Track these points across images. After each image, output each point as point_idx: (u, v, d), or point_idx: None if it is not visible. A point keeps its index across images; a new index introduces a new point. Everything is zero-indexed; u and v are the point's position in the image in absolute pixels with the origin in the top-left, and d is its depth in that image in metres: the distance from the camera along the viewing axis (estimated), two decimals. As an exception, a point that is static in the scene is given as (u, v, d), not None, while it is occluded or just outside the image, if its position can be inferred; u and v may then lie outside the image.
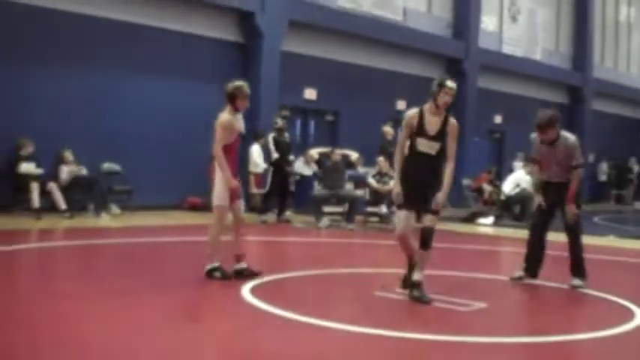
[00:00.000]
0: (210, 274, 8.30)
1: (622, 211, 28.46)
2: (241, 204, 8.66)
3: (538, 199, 9.26)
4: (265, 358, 5.44)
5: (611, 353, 6.12)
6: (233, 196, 8.42)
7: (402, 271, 7.91)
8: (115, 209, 15.87)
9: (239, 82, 8.76)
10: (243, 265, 8.53)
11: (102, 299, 7.16)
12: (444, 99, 7.79)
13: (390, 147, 17.71)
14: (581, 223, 9.15)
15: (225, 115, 8.51)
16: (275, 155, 16.35)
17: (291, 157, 17.12)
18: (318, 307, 7.12)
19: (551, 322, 7.38)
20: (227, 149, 8.40)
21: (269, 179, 16.43)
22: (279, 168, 16.44)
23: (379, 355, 5.77)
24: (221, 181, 8.32)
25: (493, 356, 5.92)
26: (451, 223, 17.38)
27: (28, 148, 14.74)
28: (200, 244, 12.38)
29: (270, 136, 16.51)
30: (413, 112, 7.79)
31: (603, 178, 33.05)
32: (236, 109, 8.59)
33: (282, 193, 16.68)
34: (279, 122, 16.77)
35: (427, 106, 8.00)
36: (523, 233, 9.72)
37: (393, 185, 7.80)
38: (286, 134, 16.94)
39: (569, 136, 8.96)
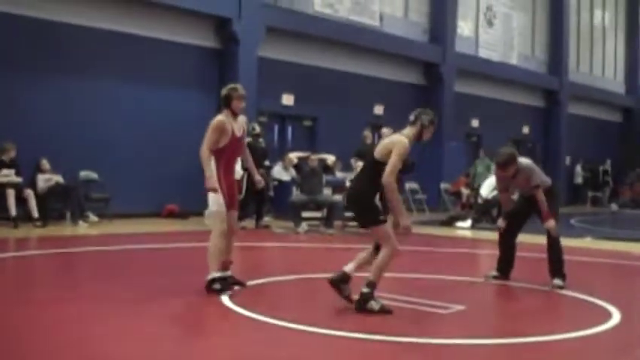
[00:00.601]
0: (210, 285, 7.89)
1: (598, 213, 28.63)
2: (235, 213, 8.31)
3: (501, 224, 9.55)
4: (245, 363, 5.44)
5: (589, 353, 6.16)
6: (229, 204, 8.10)
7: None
8: (92, 217, 15.80)
9: (233, 84, 8.55)
10: (227, 272, 8.23)
11: (79, 307, 7.12)
12: (429, 135, 7.55)
13: (368, 150, 17.74)
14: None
15: (218, 117, 8.20)
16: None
17: (267, 163, 17.06)
18: (298, 312, 7.12)
19: (529, 323, 7.42)
20: (218, 153, 8.08)
21: (243, 185, 16.40)
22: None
23: (357, 359, 5.78)
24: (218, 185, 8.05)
25: (472, 358, 5.95)
26: (430, 227, 17.43)
27: (11, 153, 14.69)
28: (178, 250, 12.37)
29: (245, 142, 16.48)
30: (408, 143, 7.36)
31: (579, 180, 33.27)
32: (233, 112, 8.27)
33: (259, 199, 16.64)
34: (257, 128, 16.75)
35: (411, 135, 7.46)
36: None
37: (403, 218, 7.20)
38: (261, 140, 16.91)
39: (524, 162, 9.21)
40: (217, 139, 8.05)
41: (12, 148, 14.72)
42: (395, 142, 7.19)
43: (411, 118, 7.55)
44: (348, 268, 7.33)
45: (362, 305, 7.07)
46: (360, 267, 7.38)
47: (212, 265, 7.99)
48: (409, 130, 7.46)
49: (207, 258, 8.02)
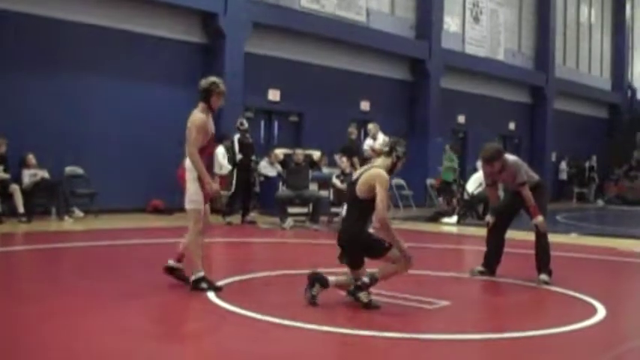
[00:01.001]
0: (196, 285, 7.69)
1: (584, 209, 28.72)
2: (208, 208, 8.13)
3: (490, 219, 9.57)
4: (231, 359, 5.43)
5: (574, 348, 6.17)
6: (206, 198, 7.95)
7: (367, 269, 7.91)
8: (77, 213, 15.73)
9: (214, 78, 8.15)
10: (179, 265, 8.08)
11: (64, 302, 7.10)
12: (401, 166, 7.55)
13: (353, 146, 17.75)
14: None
15: (199, 115, 7.86)
16: (239, 156, 16.30)
17: (253, 158, 17.01)
18: (284, 307, 7.11)
19: (515, 318, 7.45)
20: (199, 152, 7.83)
21: (234, 181, 16.38)
22: (243, 169, 16.40)
23: (343, 354, 5.79)
24: (194, 184, 7.83)
25: (457, 353, 5.96)
26: (415, 223, 17.44)
27: (1, 148, 14.63)
28: (163, 246, 12.33)
29: (236, 138, 16.45)
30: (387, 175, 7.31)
31: (563, 176, 33.34)
32: (210, 108, 7.96)
33: (245, 195, 16.62)
34: (245, 124, 16.71)
35: (385, 166, 7.44)
36: (485, 231, 9.81)
37: (406, 252, 7.22)
38: (248, 135, 16.88)
39: (511, 159, 9.24)
40: (202, 140, 7.84)
41: (2, 143, 14.65)
42: (375, 177, 7.23)
43: (386, 149, 7.54)
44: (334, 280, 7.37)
45: (355, 292, 7.11)
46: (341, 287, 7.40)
47: (195, 264, 7.80)
48: (383, 161, 7.47)
49: (188, 259, 7.89)
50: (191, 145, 7.75)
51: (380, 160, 7.52)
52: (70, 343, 5.65)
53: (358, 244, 7.31)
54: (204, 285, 7.66)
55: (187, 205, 7.96)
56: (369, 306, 7.05)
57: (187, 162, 7.88)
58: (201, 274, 7.73)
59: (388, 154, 7.49)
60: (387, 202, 7.24)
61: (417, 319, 7.00)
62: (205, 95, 7.96)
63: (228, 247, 13.15)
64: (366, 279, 7.14)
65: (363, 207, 7.28)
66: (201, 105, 7.97)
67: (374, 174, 7.26)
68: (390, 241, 7.21)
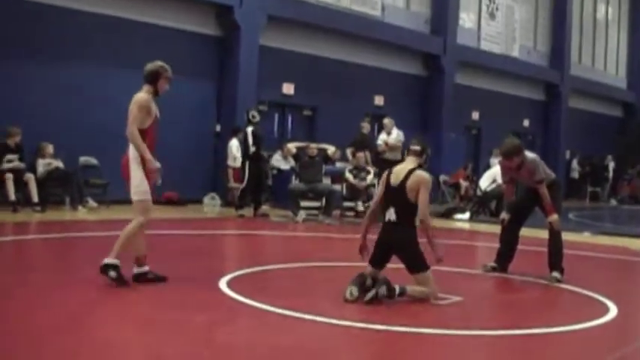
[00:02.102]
0: (105, 269, 7.24)
1: (596, 208, 28.63)
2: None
3: (505, 216, 9.57)
4: (243, 350, 5.44)
5: (585, 346, 6.16)
6: (149, 178, 7.63)
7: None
8: (91, 203, 15.79)
9: (161, 62, 7.94)
10: (145, 268, 7.69)
11: (77, 291, 7.12)
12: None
13: (364, 141, 17.74)
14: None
15: (143, 95, 7.62)
16: (253, 149, 16.28)
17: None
18: (295, 299, 7.12)
19: (527, 315, 7.44)
20: (142, 134, 7.55)
21: (246, 173, 16.35)
22: (256, 161, 16.37)
23: (356, 347, 5.79)
24: (139, 172, 7.55)
25: (469, 349, 5.96)
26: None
27: (16, 138, 14.69)
28: (175, 237, 12.38)
29: (249, 130, 16.39)
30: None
31: (575, 175, 33.16)
32: (156, 91, 7.76)
33: (257, 187, 16.60)
34: (257, 116, 16.68)
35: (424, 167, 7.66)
36: (498, 228, 9.80)
37: (439, 251, 7.37)
38: (259, 127, 16.86)
39: (530, 156, 9.20)
40: (143, 119, 7.56)
41: (17, 132, 14.71)
42: (421, 181, 7.34)
43: (417, 148, 7.66)
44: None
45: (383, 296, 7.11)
46: None
47: (117, 250, 7.34)
48: (416, 161, 7.61)
49: (116, 241, 7.41)
50: (131, 124, 7.48)
51: (412, 160, 7.60)
52: (82, 332, 5.68)
53: (409, 251, 7.34)
54: (113, 274, 7.23)
55: (133, 197, 7.60)
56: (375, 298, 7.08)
57: (131, 150, 7.58)
58: (117, 262, 7.30)
59: (419, 154, 7.63)
60: (428, 204, 7.39)
61: (428, 314, 7.00)
62: (152, 78, 7.77)
63: (240, 239, 13.19)
64: (397, 288, 7.17)
65: (413, 211, 7.34)
66: (146, 87, 7.76)
67: (420, 178, 7.37)
68: (431, 242, 7.34)
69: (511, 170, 9.24)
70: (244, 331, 6.02)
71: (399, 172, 7.58)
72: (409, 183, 7.35)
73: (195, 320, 6.20)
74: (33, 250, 10.55)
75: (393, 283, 7.15)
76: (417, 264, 7.31)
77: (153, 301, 6.92)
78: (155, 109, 7.71)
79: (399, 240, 7.33)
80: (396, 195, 7.43)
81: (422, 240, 7.41)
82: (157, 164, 7.56)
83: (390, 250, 7.39)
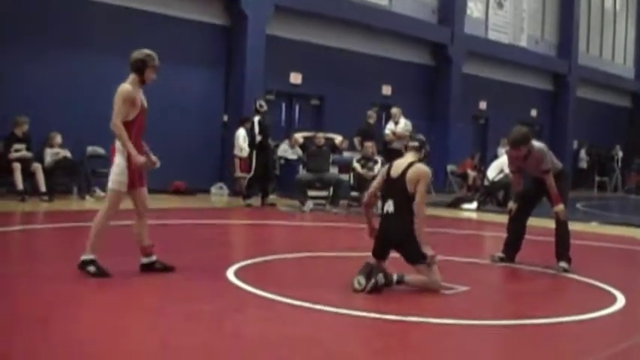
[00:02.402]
0: (83, 266, 7.18)
1: (604, 198, 28.59)
2: (145, 191, 7.68)
3: (512, 206, 9.57)
4: (251, 340, 5.45)
5: (593, 336, 6.16)
6: (137, 180, 7.47)
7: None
8: (99, 192, 15.80)
9: (148, 50, 7.73)
10: (152, 257, 7.67)
11: (82, 280, 7.13)
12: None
13: (371, 131, 17.72)
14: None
15: (126, 86, 7.40)
16: (259, 138, 16.25)
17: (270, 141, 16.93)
18: (303, 289, 7.13)
19: (534, 305, 7.43)
20: (128, 126, 7.33)
21: (253, 163, 16.33)
22: (263, 151, 16.35)
23: (363, 337, 5.80)
24: (122, 162, 7.33)
25: (476, 338, 5.96)
26: (435, 208, 17.43)
27: (24, 127, 14.72)
28: (184, 227, 12.40)
29: (256, 119, 16.37)
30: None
31: (583, 165, 33.06)
32: (142, 81, 7.55)
33: (264, 177, 16.59)
34: (264, 105, 16.65)
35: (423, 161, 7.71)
36: (506, 218, 9.80)
37: (427, 249, 7.29)
38: (267, 117, 16.84)
39: (537, 145, 9.17)
40: (127, 111, 7.34)
41: (25, 122, 14.74)
42: (420, 173, 7.35)
43: (415, 144, 7.71)
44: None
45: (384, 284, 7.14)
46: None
47: (91, 244, 7.27)
48: (416, 155, 7.63)
49: (89, 237, 7.32)
50: (115, 116, 7.29)
51: (412, 155, 7.61)
52: (89, 321, 5.71)
53: (407, 245, 7.33)
54: (92, 268, 7.18)
55: (109, 185, 7.46)
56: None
57: (117, 141, 7.41)
58: (93, 257, 7.25)
59: (418, 149, 7.65)
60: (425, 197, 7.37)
61: (435, 304, 7.00)
62: (139, 67, 7.57)
63: (247, 229, 13.20)
64: (395, 276, 7.21)
65: (411, 204, 7.31)
66: (131, 77, 7.56)
67: (420, 171, 7.38)
68: (421, 236, 7.29)
69: (518, 159, 9.22)
70: (253, 321, 6.04)
71: (399, 164, 7.60)
72: (409, 175, 7.36)
73: (203, 310, 6.21)
74: (40, 239, 10.58)
75: (390, 271, 7.20)
76: (415, 256, 7.30)
77: (161, 291, 6.94)
78: (141, 100, 7.52)
79: (397, 233, 7.32)
80: (396, 186, 7.44)
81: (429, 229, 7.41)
82: (141, 159, 7.39)
83: (390, 243, 7.39)
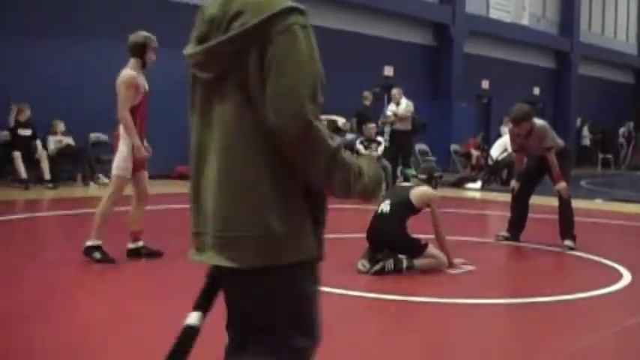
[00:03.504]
0: (88, 252, 7.17)
1: (608, 175, 28.57)
2: (146, 174, 7.67)
3: (515, 185, 9.57)
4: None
5: (599, 313, 6.18)
6: (138, 165, 7.42)
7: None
8: (102, 179, 15.80)
9: (146, 32, 7.66)
10: (139, 243, 7.59)
11: (88, 268, 7.15)
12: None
13: (366, 112, 17.68)
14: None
15: (129, 72, 7.35)
16: None
17: None
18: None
19: (540, 283, 7.46)
20: (132, 111, 7.34)
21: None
22: None
23: (373, 317, 5.83)
24: (126, 149, 7.32)
25: (483, 317, 5.98)
26: (439, 188, 17.42)
27: (26, 112, 14.71)
28: (186, 212, 12.40)
29: None
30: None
31: (586, 142, 32.94)
32: (144, 64, 7.48)
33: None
34: None
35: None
36: (509, 197, 9.80)
37: (451, 258, 7.51)
38: None
39: (539, 123, 9.17)
40: (133, 97, 7.32)
41: (26, 107, 14.73)
42: (431, 198, 7.46)
43: (424, 177, 7.75)
44: None
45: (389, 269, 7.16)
46: None
47: (96, 230, 7.24)
48: (430, 186, 7.67)
49: (94, 222, 7.28)
50: (121, 106, 7.30)
51: (426, 186, 7.63)
52: (93, 307, 5.74)
53: (401, 244, 7.34)
54: (97, 255, 7.16)
55: (113, 171, 7.46)
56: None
57: (121, 127, 7.41)
58: (99, 242, 7.23)
59: (428, 181, 7.70)
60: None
61: (441, 284, 7.02)
62: (140, 50, 7.48)
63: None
64: (405, 262, 7.22)
65: (410, 211, 7.38)
66: (132, 61, 7.49)
67: (430, 194, 7.50)
68: (443, 248, 7.46)
69: (520, 137, 9.20)
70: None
71: (410, 184, 7.87)
72: (417, 192, 7.43)
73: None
74: (45, 226, 10.59)
75: (401, 257, 7.19)
76: (414, 250, 7.32)
77: (160, 277, 6.95)
78: (143, 84, 7.48)
79: (388, 234, 7.31)
80: (400, 192, 7.57)
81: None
82: (145, 153, 7.44)
83: (382, 245, 7.35)
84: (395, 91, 17.61)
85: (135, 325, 5.31)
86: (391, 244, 7.31)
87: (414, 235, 7.41)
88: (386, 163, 16.25)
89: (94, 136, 16.30)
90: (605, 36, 35.64)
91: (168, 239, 7.96)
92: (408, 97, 17.48)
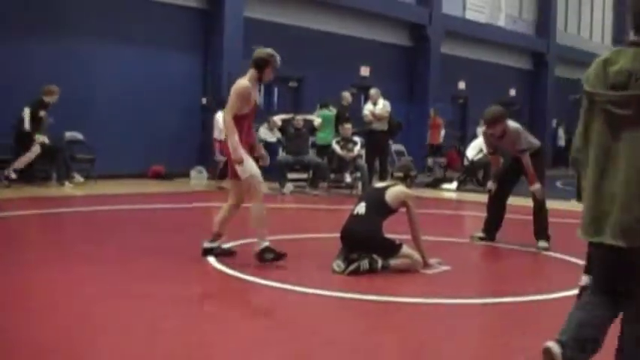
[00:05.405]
0: (261, 256, 7.37)
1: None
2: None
3: (491, 186, 9.62)
4: (233, 322, 5.45)
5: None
6: (233, 169, 7.55)
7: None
8: (78, 178, 15.70)
9: (271, 50, 7.86)
10: (215, 244, 7.75)
11: (66, 267, 7.12)
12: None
13: (345, 112, 17.68)
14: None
15: (244, 82, 7.53)
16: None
17: None
18: (284, 272, 7.15)
19: (515, 283, 7.48)
20: (239, 120, 7.42)
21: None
22: None
23: (345, 318, 5.81)
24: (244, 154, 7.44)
25: (458, 317, 5.99)
26: (415, 189, 17.46)
27: None
28: (164, 211, 12.36)
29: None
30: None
31: (561, 143, 33.08)
32: (260, 78, 7.70)
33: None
34: None
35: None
36: (486, 197, 9.84)
37: (426, 258, 7.57)
38: None
39: (512, 126, 9.21)
40: (241, 106, 7.45)
41: None
42: (407, 196, 7.53)
43: (400, 174, 7.80)
44: None
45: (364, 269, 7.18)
46: None
47: (261, 233, 7.47)
48: (405, 184, 7.70)
49: (255, 227, 7.53)
50: (227, 111, 7.46)
51: (399, 185, 7.65)
52: (71, 308, 5.68)
53: (375, 245, 7.34)
54: (269, 255, 7.36)
55: (242, 175, 7.48)
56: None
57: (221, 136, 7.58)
58: (267, 243, 7.43)
59: (404, 179, 7.74)
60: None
61: (416, 284, 7.04)
62: (260, 65, 7.67)
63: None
64: (380, 262, 7.22)
65: (386, 213, 7.42)
66: (250, 72, 7.68)
67: (406, 193, 7.55)
68: (419, 247, 7.52)
69: (494, 138, 9.25)
70: (236, 304, 6.05)
71: (387, 184, 7.91)
72: (392, 192, 7.47)
73: (186, 294, 6.21)
74: (19, 226, 10.50)
75: (376, 257, 7.19)
76: (388, 250, 7.33)
77: (143, 276, 6.92)
78: (255, 96, 7.65)
79: (363, 236, 7.32)
80: (375, 194, 7.61)
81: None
82: (242, 156, 7.41)
83: (355, 246, 7.33)
84: (373, 92, 17.61)
85: (118, 324, 5.27)
86: (366, 245, 7.30)
87: (389, 236, 7.42)
88: (362, 163, 16.28)
89: (69, 134, 16.19)
90: (581, 37, 35.83)
91: (140, 239, 7.91)
92: (385, 97, 17.50)
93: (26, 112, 14.54)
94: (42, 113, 14.75)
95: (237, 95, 7.43)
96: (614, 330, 3.75)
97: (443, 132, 23.64)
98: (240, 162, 7.36)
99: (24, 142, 14.58)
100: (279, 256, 7.37)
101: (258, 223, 7.49)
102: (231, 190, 7.82)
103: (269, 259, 7.33)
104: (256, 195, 7.48)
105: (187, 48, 19.00)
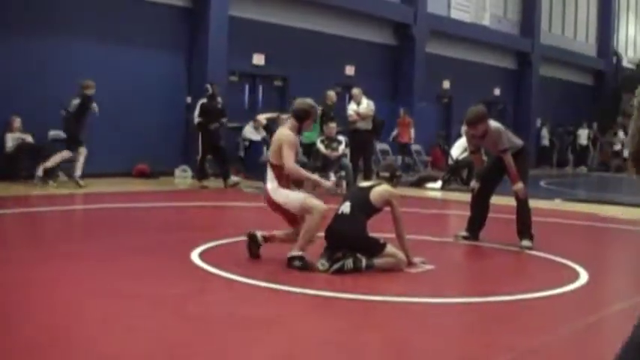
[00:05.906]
0: (292, 262, 7.30)
1: (566, 175, 28.84)
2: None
3: (474, 185, 9.65)
4: (216, 321, 5.45)
5: (556, 312, 6.23)
6: (287, 217, 7.75)
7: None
8: (62, 177, 15.64)
9: (312, 102, 8.01)
10: (262, 241, 7.83)
11: (48, 266, 7.09)
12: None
13: (330, 112, 17.69)
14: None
15: (290, 134, 7.64)
16: (198, 120, 16.34)
17: (224, 120, 16.82)
18: (268, 270, 7.15)
19: (498, 282, 7.51)
20: (282, 168, 7.62)
21: (199, 144, 16.39)
22: (205, 133, 16.34)
23: (329, 316, 5.81)
24: (282, 193, 7.65)
25: (441, 316, 6.00)
26: (400, 188, 17.49)
27: None
28: (148, 210, 12.32)
29: (199, 102, 16.47)
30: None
31: (545, 142, 33.17)
32: (299, 130, 7.84)
33: (217, 159, 16.63)
34: (210, 89, 16.60)
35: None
36: (469, 197, 9.86)
37: (411, 257, 7.58)
38: (219, 99, 16.76)
39: (494, 125, 9.25)
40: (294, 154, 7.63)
41: None
42: (392, 194, 7.59)
43: (386, 174, 7.91)
44: None
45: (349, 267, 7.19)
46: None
47: (304, 245, 7.40)
48: (391, 184, 7.80)
49: (302, 236, 7.41)
50: (289, 162, 7.52)
51: (386, 184, 7.71)
52: (53, 307, 5.66)
53: (359, 244, 7.34)
54: (297, 263, 7.28)
55: (294, 210, 7.60)
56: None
57: (268, 183, 7.72)
58: (301, 253, 7.35)
59: (390, 179, 7.84)
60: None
61: (400, 283, 7.04)
62: (301, 116, 7.78)
63: (212, 211, 13.15)
64: (364, 262, 7.21)
65: (370, 212, 7.46)
66: (291, 122, 7.82)
67: (390, 192, 7.58)
68: (403, 247, 7.56)
69: (476, 138, 9.29)
70: (218, 303, 6.03)
71: (371, 183, 7.92)
72: (377, 191, 7.50)
73: (169, 293, 6.19)
74: (3, 225, 10.46)
75: (360, 256, 7.20)
76: (373, 249, 7.33)
77: (126, 274, 6.90)
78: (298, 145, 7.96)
79: (348, 235, 7.33)
80: (360, 193, 7.62)
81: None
82: (328, 183, 8.37)
83: (340, 245, 7.33)
84: (356, 91, 17.62)
85: (96, 323, 5.25)
86: (350, 244, 7.30)
87: (374, 235, 7.43)
88: (347, 162, 16.29)
89: (53, 133, 16.12)
90: (565, 37, 35.96)
91: (128, 238, 7.90)
92: (369, 96, 17.51)
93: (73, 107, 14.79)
94: (93, 105, 14.89)
95: (289, 146, 7.55)
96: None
97: (413, 131, 23.63)
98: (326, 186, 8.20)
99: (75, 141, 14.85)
100: (306, 266, 7.29)
101: (307, 234, 7.40)
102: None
103: (296, 266, 7.27)
104: (314, 209, 7.41)
105: (172, 47, 18.97)
